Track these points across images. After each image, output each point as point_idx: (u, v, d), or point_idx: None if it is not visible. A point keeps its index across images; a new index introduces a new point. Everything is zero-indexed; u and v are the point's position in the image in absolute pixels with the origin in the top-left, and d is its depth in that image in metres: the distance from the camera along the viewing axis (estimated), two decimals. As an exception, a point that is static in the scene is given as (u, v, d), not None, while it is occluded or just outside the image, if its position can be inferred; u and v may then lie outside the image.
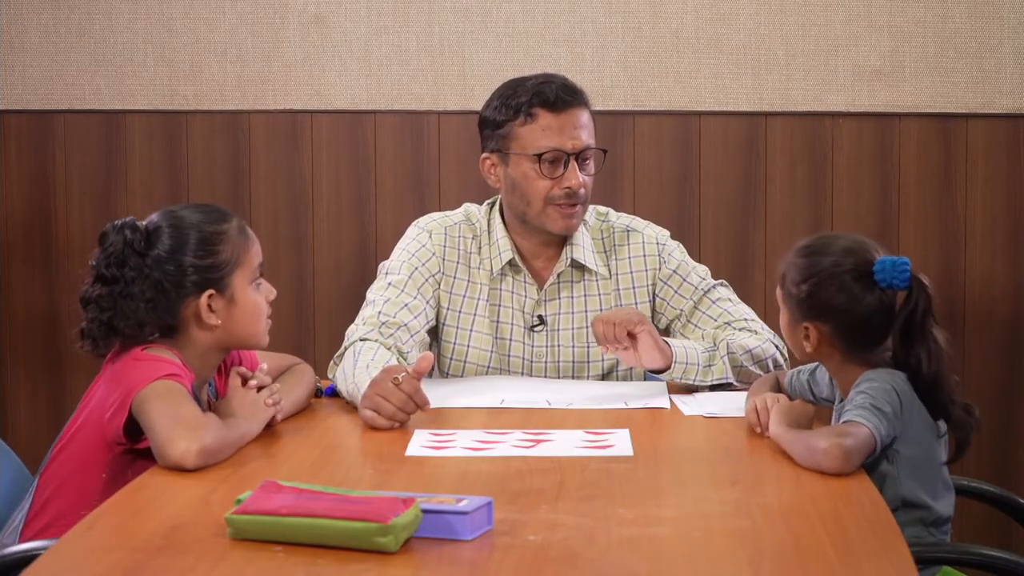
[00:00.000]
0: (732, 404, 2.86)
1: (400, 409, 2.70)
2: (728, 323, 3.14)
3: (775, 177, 4.24)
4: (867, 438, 2.39)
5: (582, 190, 3.09)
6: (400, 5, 4.25)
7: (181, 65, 4.30)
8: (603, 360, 3.17)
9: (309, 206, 4.31)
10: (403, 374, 2.72)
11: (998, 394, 4.22)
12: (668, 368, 2.99)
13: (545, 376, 3.17)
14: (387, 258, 3.23)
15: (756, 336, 3.10)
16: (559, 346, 3.18)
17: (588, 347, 3.17)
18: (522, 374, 3.17)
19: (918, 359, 2.51)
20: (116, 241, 2.63)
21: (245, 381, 2.67)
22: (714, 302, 3.18)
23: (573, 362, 3.18)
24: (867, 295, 2.54)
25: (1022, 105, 4.17)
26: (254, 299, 2.70)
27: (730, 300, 3.20)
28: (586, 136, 3.09)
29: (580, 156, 3.09)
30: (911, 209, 4.21)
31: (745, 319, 3.15)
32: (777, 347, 3.10)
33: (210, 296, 2.63)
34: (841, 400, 2.61)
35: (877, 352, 2.57)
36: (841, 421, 2.47)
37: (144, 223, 2.67)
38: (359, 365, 2.88)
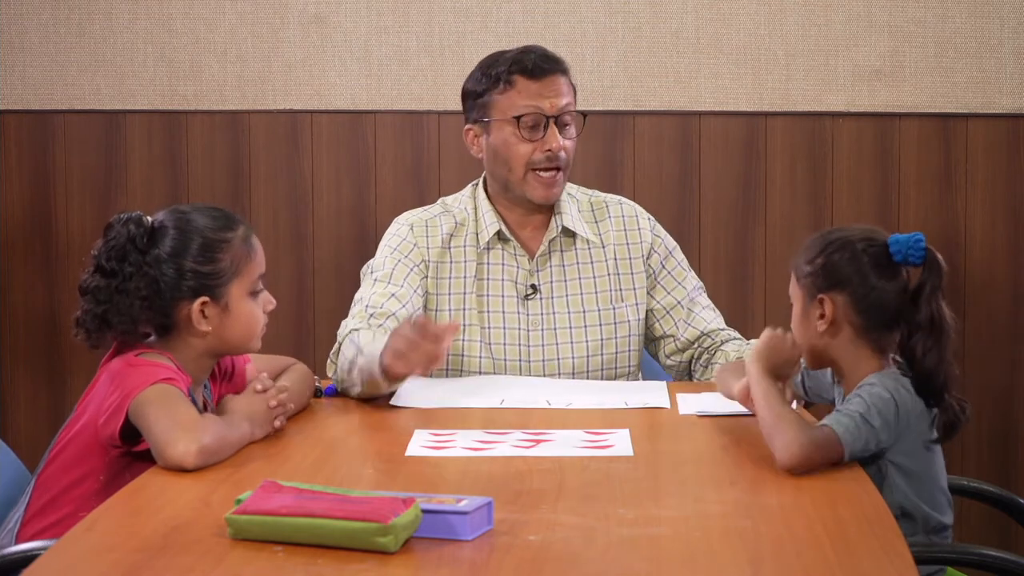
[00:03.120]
0: (731, 404, 2.85)
1: (422, 339, 2.66)
2: (708, 333, 3.20)
3: (775, 177, 4.24)
4: (833, 449, 2.39)
5: (563, 153, 3.11)
6: (400, 5, 4.26)
7: (181, 65, 4.30)
8: (600, 325, 3.18)
9: (309, 206, 4.31)
10: (417, 315, 2.73)
11: (998, 394, 4.22)
12: None
13: (542, 344, 3.17)
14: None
15: (741, 340, 3.15)
16: (554, 313, 3.18)
17: (584, 312, 3.19)
18: (518, 345, 3.16)
19: (922, 333, 2.51)
20: (119, 234, 2.62)
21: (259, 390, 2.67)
22: (703, 308, 3.23)
23: (570, 328, 3.18)
24: (881, 269, 2.55)
25: (1022, 105, 4.17)
26: (249, 309, 2.68)
27: (712, 309, 3.26)
28: (565, 99, 3.13)
29: (559, 120, 3.12)
30: (911, 209, 4.21)
31: (723, 328, 3.23)
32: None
33: (203, 303, 2.62)
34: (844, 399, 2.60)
35: (889, 339, 2.56)
36: (828, 417, 2.46)
37: (151, 219, 2.66)
38: (362, 341, 2.89)
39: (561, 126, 3.12)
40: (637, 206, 3.30)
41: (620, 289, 3.20)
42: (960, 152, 4.20)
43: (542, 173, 3.12)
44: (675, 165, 4.25)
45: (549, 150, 3.10)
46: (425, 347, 2.67)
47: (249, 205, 4.29)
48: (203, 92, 4.31)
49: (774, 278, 4.16)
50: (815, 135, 4.22)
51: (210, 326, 2.63)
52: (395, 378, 2.79)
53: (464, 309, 3.16)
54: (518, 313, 3.18)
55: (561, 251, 3.20)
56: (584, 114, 3.18)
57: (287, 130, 4.31)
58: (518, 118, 3.11)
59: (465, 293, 3.16)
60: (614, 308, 3.19)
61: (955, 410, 2.51)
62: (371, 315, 3.05)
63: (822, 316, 2.58)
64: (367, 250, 4.23)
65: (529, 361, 3.16)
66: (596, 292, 3.20)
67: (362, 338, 2.93)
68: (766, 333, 2.58)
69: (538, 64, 3.11)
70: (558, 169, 3.12)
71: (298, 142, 4.30)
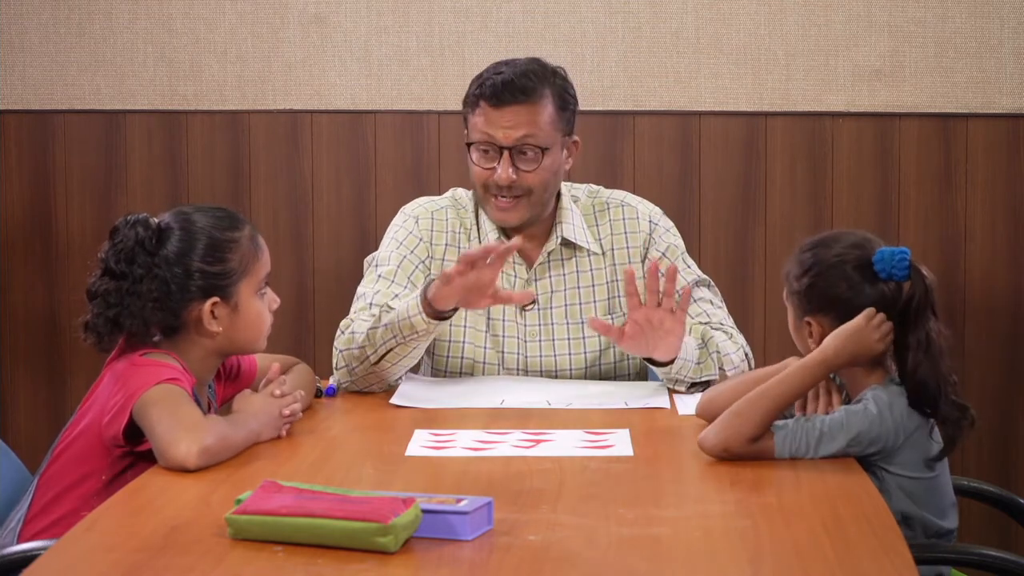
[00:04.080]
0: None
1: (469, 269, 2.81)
2: (705, 323, 3.12)
3: (775, 177, 4.24)
4: (764, 452, 2.43)
5: (514, 184, 3.07)
6: (400, 5, 4.25)
7: (181, 65, 4.30)
8: (599, 336, 3.16)
9: (309, 206, 4.31)
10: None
11: (998, 394, 4.22)
12: (671, 362, 2.97)
13: (540, 355, 3.16)
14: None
15: (731, 341, 3.08)
16: (552, 324, 3.17)
17: (582, 322, 3.17)
18: (517, 355, 3.16)
19: (909, 349, 2.50)
20: (127, 236, 2.62)
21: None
22: (695, 300, 3.14)
23: (568, 339, 3.17)
24: (867, 287, 2.53)
25: (1022, 105, 4.17)
26: (257, 308, 2.69)
27: (710, 302, 3.17)
28: (523, 131, 3.05)
29: (516, 149, 3.07)
30: (911, 209, 4.21)
31: (722, 323, 3.13)
32: (746, 356, 3.09)
33: (214, 303, 2.63)
34: (847, 402, 2.59)
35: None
36: (799, 419, 2.47)
37: (156, 221, 2.66)
38: (380, 313, 2.96)
39: (518, 155, 3.07)
40: (641, 205, 3.25)
41: (619, 296, 3.18)
42: (960, 152, 4.20)
43: (496, 198, 3.10)
44: (675, 165, 4.25)
45: (496, 179, 3.07)
46: (473, 275, 2.79)
47: (249, 205, 4.29)
48: (203, 92, 4.31)
49: (774, 278, 4.16)
50: (815, 135, 4.22)
51: (220, 326, 2.64)
52: (438, 310, 2.87)
53: (464, 312, 3.15)
54: (517, 323, 3.17)
55: (562, 260, 3.18)
56: (543, 149, 3.07)
57: (287, 130, 4.31)
58: (470, 144, 3.10)
59: None
60: (612, 317, 3.17)
61: (954, 419, 2.51)
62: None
63: (811, 335, 2.58)
64: (367, 250, 4.22)
65: (527, 370, 3.16)
66: (594, 301, 3.18)
67: (375, 314, 2.98)
68: (867, 312, 2.50)
69: (498, 91, 3.04)
70: (515, 197, 3.09)
71: (298, 142, 4.30)
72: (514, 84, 3.05)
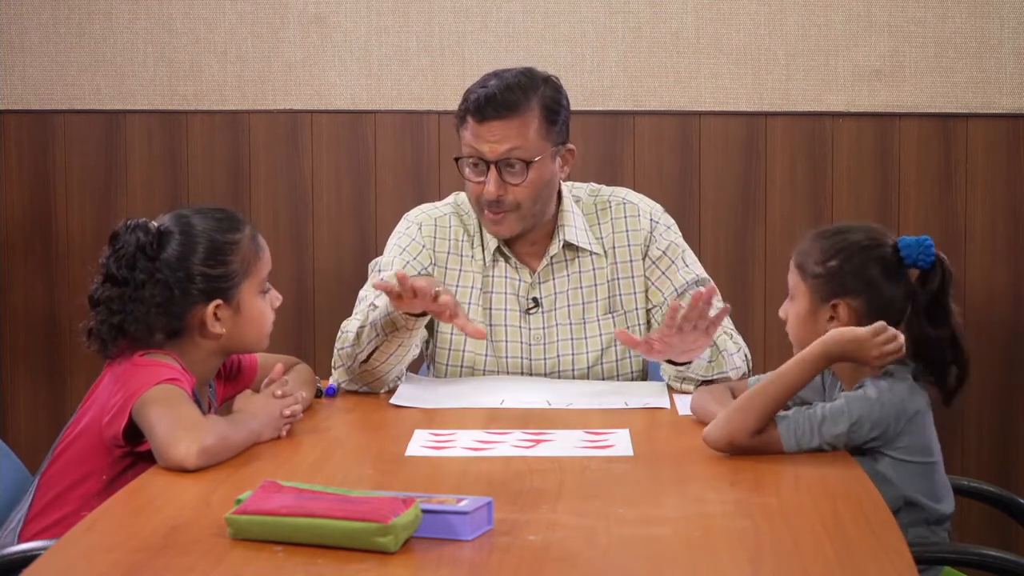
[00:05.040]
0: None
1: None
2: None
3: (775, 177, 4.24)
4: (770, 443, 2.45)
5: (510, 197, 3.06)
6: (400, 5, 4.26)
7: (181, 65, 4.30)
8: (600, 335, 3.16)
9: (309, 206, 4.31)
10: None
11: (998, 394, 4.22)
12: (687, 362, 2.98)
13: (544, 358, 3.16)
14: (386, 257, 3.24)
15: (732, 342, 3.08)
16: (556, 325, 3.17)
17: (584, 323, 3.17)
18: (520, 358, 3.16)
19: (944, 337, 2.53)
20: (128, 242, 2.62)
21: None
22: None
23: (571, 339, 3.17)
24: (891, 273, 2.57)
25: (1022, 105, 4.17)
26: (260, 308, 2.70)
27: (711, 303, 3.17)
28: (508, 145, 3.04)
29: (502, 163, 3.05)
30: (911, 209, 4.21)
31: (721, 324, 3.13)
32: (746, 358, 3.09)
33: (217, 306, 2.63)
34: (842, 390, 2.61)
35: None
36: (791, 414, 2.48)
37: (155, 225, 2.66)
38: (370, 314, 2.95)
39: (505, 169, 3.06)
40: (642, 202, 3.24)
41: (620, 295, 3.18)
42: (960, 152, 4.20)
43: (488, 212, 3.10)
44: (675, 165, 4.25)
45: (484, 194, 3.07)
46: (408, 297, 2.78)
47: (249, 205, 4.29)
48: (203, 92, 4.31)
49: (774, 278, 4.16)
50: (815, 135, 4.22)
51: (224, 328, 2.64)
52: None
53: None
54: (520, 327, 3.17)
55: (565, 262, 3.18)
56: (529, 162, 3.06)
57: (287, 130, 4.31)
58: (458, 159, 3.10)
59: (470, 304, 3.16)
60: (613, 316, 3.17)
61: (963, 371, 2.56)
62: None
63: (832, 319, 2.58)
64: (367, 250, 4.24)
65: (532, 374, 3.16)
66: (596, 301, 3.18)
67: (367, 313, 2.98)
68: (879, 325, 2.50)
69: (481, 106, 3.04)
70: (505, 210, 3.08)
71: (298, 142, 4.31)
72: (497, 99, 3.04)
